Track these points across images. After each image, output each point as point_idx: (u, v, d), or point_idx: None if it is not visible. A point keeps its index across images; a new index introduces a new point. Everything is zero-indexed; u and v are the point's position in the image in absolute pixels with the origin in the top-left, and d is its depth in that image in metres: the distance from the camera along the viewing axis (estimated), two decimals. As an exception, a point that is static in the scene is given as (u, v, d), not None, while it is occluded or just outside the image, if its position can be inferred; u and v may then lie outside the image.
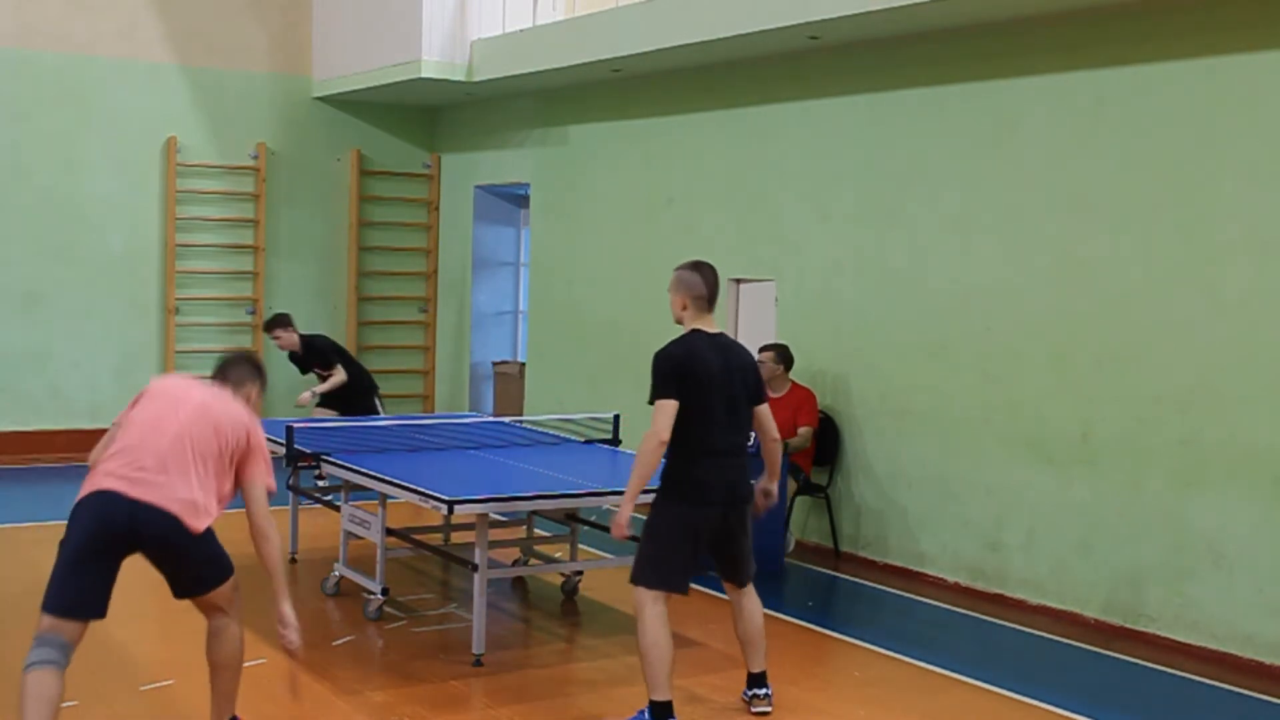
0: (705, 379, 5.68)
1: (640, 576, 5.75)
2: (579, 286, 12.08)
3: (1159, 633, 7.46)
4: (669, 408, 5.62)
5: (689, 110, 10.81)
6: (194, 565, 5.00)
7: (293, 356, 11.12)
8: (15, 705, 4.77)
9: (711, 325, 5.89)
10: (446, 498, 6.32)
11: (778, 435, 6.10)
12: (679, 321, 5.94)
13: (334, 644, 6.91)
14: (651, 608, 5.69)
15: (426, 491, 6.45)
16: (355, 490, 7.54)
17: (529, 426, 9.27)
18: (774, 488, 6.10)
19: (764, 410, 6.01)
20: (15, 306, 12.29)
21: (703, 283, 5.88)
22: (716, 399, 5.72)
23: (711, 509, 5.74)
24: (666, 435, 5.60)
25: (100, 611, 4.91)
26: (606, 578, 8.33)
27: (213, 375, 5.37)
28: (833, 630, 7.66)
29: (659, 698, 5.67)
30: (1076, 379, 7.91)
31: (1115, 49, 7.71)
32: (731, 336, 5.98)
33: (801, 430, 9.05)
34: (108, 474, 4.92)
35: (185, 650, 6.76)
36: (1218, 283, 7.23)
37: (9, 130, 12.19)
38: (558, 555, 8.36)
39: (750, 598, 6.04)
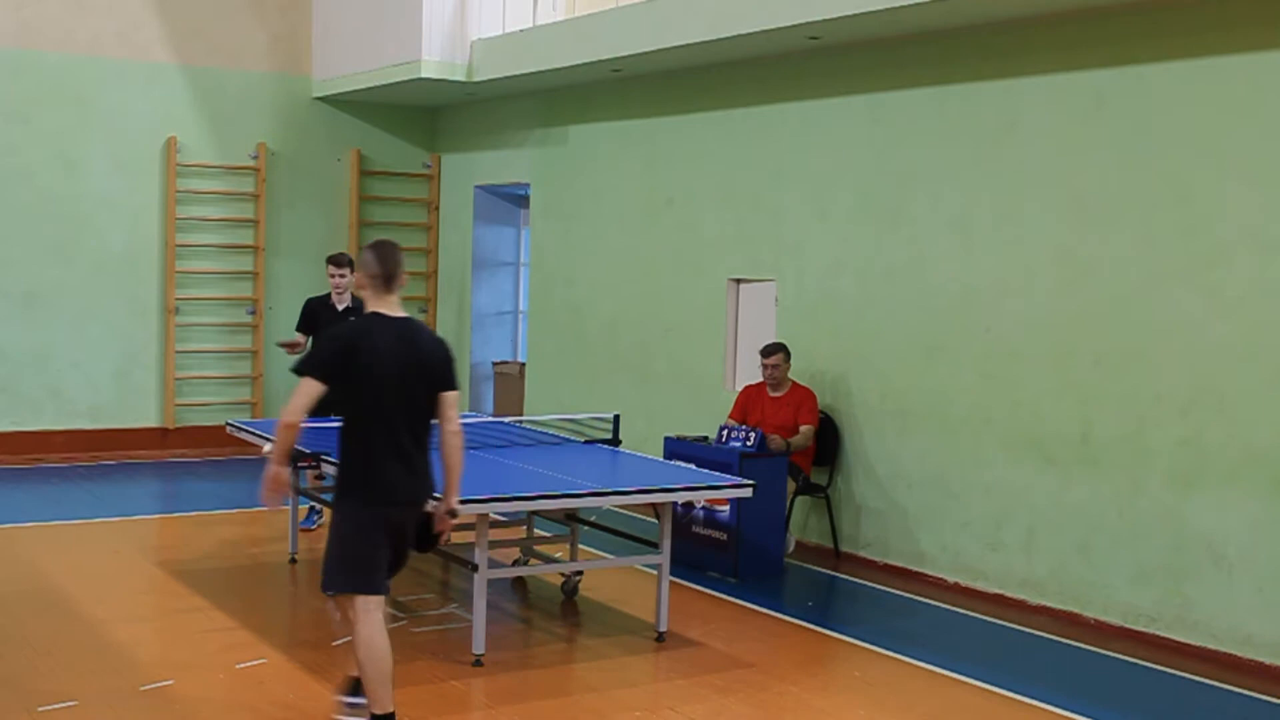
0: (374, 364, 5.30)
1: (333, 583, 5.41)
2: (579, 286, 12.08)
3: (1159, 633, 7.46)
4: (308, 388, 5.25)
5: (689, 110, 10.81)
6: None
7: (333, 310, 9.40)
8: (14, 707, 4.77)
9: (394, 308, 5.46)
10: (446, 498, 6.31)
11: (458, 428, 5.53)
12: (365, 303, 5.57)
13: (334, 644, 6.91)
14: (364, 615, 5.32)
15: (426, 491, 6.43)
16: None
17: (529, 426, 9.27)
18: (456, 505, 5.64)
19: (450, 398, 5.48)
20: (15, 306, 12.28)
21: (376, 260, 5.44)
22: (389, 387, 5.33)
23: (393, 507, 5.41)
24: (295, 418, 5.23)
25: None
26: (606, 578, 8.34)
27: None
28: (833, 630, 7.66)
29: (381, 710, 5.32)
30: (1076, 379, 7.92)
31: (1115, 49, 7.71)
32: (422, 322, 5.49)
33: (803, 429, 9.05)
34: None
35: (185, 650, 6.78)
36: (1217, 283, 7.23)
37: (9, 130, 12.19)
38: (558, 555, 8.36)
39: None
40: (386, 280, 5.46)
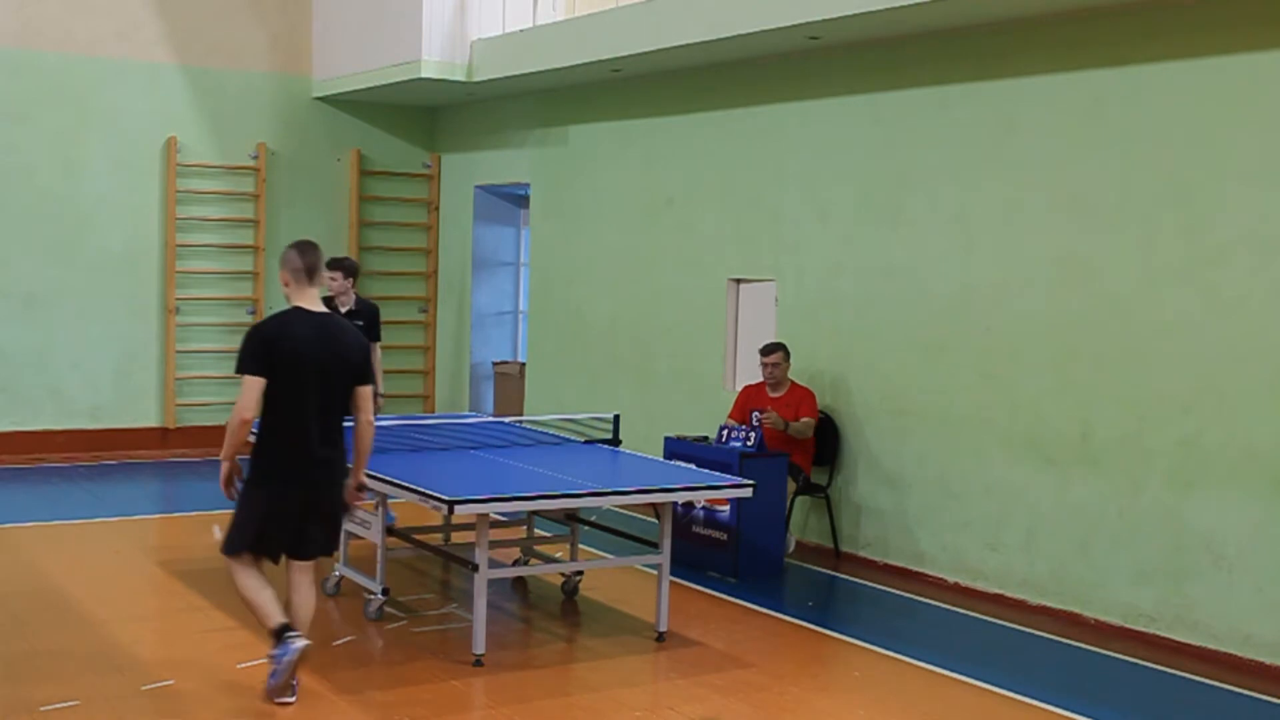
0: (297, 357, 5.74)
1: (228, 545, 5.99)
2: (579, 286, 12.08)
3: (1159, 633, 7.47)
4: (252, 383, 5.70)
5: (689, 110, 10.81)
6: None
7: (336, 311, 8.73)
8: (15, 707, 4.77)
9: (314, 302, 5.92)
10: (446, 498, 6.32)
11: (372, 418, 6.03)
12: (288, 299, 5.99)
13: (334, 644, 6.91)
14: (239, 568, 5.93)
15: (427, 491, 6.45)
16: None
17: (529, 426, 9.27)
18: (363, 479, 6.12)
19: (365, 391, 5.97)
20: (15, 306, 12.29)
21: (298, 255, 5.90)
22: (309, 378, 5.77)
23: (302, 491, 5.87)
24: (250, 414, 5.69)
25: None
26: (606, 578, 8.34)
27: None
28: (833, 630, 7.67)
29: (274, 623, 5.83)
30: (1076, 379, 7.92)
31: (1115, 49, 7.71)
32: (342, 318, 6.13)
33: (804, 419, 9.05)
34: None
35: (185, 650, 6.78)
36: (1217, 283, 7.23)
37: (9, 130, 12.19)
38: (558, 555, 8.36)
39: (306, 577, 6.08)
40: (309, 272, 5.90)
